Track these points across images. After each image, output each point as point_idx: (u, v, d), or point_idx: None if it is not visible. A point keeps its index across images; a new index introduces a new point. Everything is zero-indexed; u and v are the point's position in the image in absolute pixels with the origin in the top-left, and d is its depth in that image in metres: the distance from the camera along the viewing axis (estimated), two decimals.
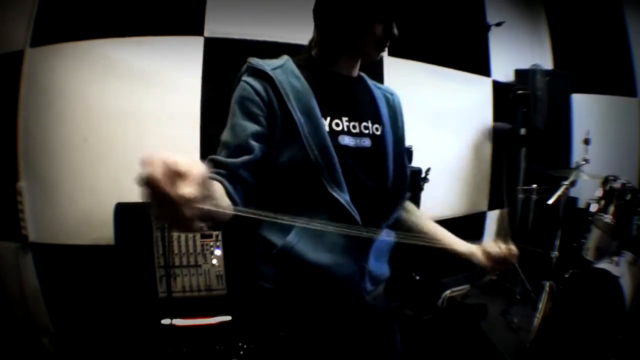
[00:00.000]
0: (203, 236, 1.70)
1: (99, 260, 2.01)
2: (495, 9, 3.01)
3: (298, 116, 0.85)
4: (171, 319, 1.65)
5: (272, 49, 2.20)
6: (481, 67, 3.02)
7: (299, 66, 0.93)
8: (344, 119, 0.91)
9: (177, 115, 2.13)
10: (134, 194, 1.80)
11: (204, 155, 2.37)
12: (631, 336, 1.78)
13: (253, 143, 0.83)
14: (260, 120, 0.85)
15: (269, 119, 0.86)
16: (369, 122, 0.95)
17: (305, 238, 0.88)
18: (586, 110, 3.20)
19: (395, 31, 0.91)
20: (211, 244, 1.70)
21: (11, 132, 2.00)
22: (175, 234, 1.68)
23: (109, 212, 1.67)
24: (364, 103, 0.99)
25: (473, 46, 3.00)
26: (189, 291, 1.68)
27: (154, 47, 2.08)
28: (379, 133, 0.96)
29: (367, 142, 0.94)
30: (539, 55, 3.18)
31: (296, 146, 0.85)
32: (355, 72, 1.00)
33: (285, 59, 0.95)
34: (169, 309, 1.65)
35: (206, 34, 2.15)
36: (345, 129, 0.91)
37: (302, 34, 2.24)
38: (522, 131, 2.75)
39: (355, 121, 0.93)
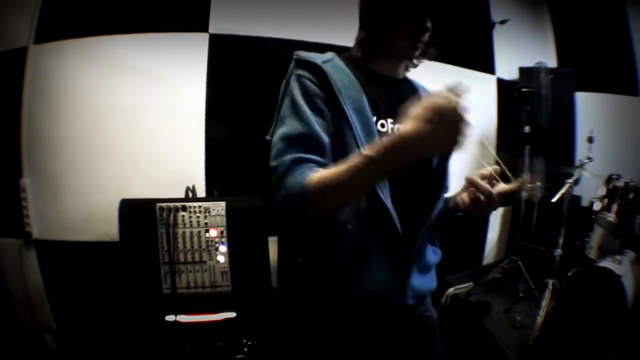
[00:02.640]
0: (208, 232, 1.70)
1: (103, 257, 2.02)
2: (500, 6, 3.00)
3: (350, 114, 0.83)
4: (175, 315, 1.65)
5: (277, 46, 2.20)
6: (485, 64, 3.02)
7: (348, 65, 0.92)
8: (389, 120, 0.89)
9: (182, 111, 2.13)
10: (139, 190, 1.81)
11: (208, 151, 2.37)
12: (633, 335, 1.78)
13: (324, 137, 0.81)
14: (325, 114, 0.83)
15: (330, 111, 0.84)
16: None
17: (350, 245, 0.85)
18: (590, 109, 3.19)
19: (429, 24, 0.86)
20: (216, 240, 1.70)
21: (15, 129, 2.00)
22: (180, 230, 1.68)
23: (114, 209, 1.66)
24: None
25: (477, 44, 3.00)
26: (194, 288, 1.68)
27: (159, 44, 2.08)
28: None
29: None
30: (543, 53, 3.17)
31: (350, 144, 0.82)
32: (400, 73, 0.98)
33: (332, 54, 0.93)
34: (173, 305, 1.65)
35: (211, 30, 2.15)
36: (390, 130, 0.88)
37: (307, 31, 2.26)
38: (527, 129, 2.75)
39: (399, 123, 0.90)
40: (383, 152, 0.65)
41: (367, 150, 0.66)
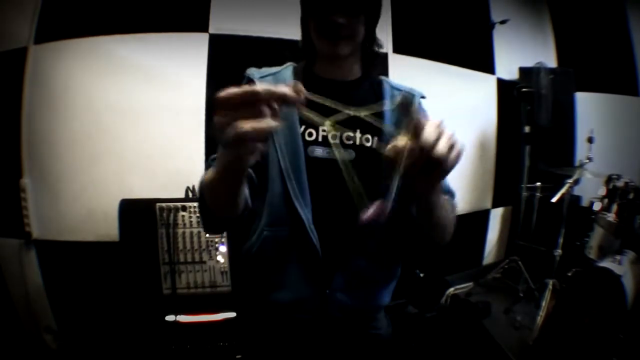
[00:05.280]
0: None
1: (103, 257, 2.01)
2: (500, 7, 3.00)
3: None
4: (175, 315, 1.65)
5: (276, 46, 2.20)
6: (486, 64, 3.02)
7: (296, 73, 0.92)
8: (321, 127, 0.86)
9: (182, 111, 2.13)
10: (139, 190, 1.80)
11: (208, 151, 2.37)
12: (633, 335, 1.78)
13: None
14: None
15: None
16: (358, 131, 0.87)
17: (267, 244, 0.86)
18: (590, 109, 3.20)
19: (339, 19, 0.81)
20: (216, 240, 1.70)
21: (15, 129, 2.00)
22: (180, 230, 1.68)
23: (114, 209, 1.67)
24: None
25: (478, 44, 3.00)
26: (194, 288, 1.68)
27: (159, 44, 2.08)
28: (369, 144, 0.87)
29: (348, 154, 0.86)
30: (543, 54, 3.18)
31: (273, 152, 0.84)
32: (352, 74, 0.92)
33: (285, 66, 0.95)
34: (174, 305, 1.65)
35: (211, 30, 2.15)
36: (320, 139, 0.86)
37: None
38: (527, 129, 2.75)
39: (335, 131, 0.85)
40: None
41: None
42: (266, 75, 0.91)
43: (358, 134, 0.87)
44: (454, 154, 0.55)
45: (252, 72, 0.92)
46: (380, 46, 0.95)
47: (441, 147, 0.53)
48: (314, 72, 0.93)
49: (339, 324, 0.90)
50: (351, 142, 0.87)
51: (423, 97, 0.97)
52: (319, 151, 0.86)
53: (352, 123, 0.85)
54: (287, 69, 0.93)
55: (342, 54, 0.85)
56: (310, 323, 0.89)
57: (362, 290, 0.90)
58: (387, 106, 0.89)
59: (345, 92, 0.89)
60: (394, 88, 0.95)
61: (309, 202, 0.84)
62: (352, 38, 0.84)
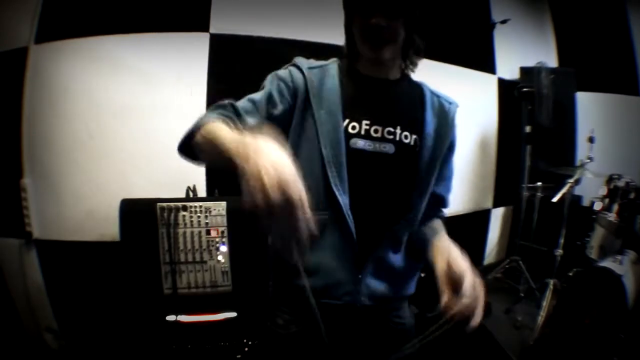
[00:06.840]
0: (209, 232, 1.70)
1: (104, 257, 2.02)
2: (501, 6, 3.00)
3: (319, 113, 0.89)
4: (176, 315, 1.65)
5: (277, 46, 2.20)
6: (486, 64, 3.02)
7: (340, 69, 0.96)
8: (365, 122, 0.90)
9: (182, 111, 2.12)
10: (140, 190, 1.80)
11: None
12: (633, 335, 1.78)
13: (266, 105, 0.89)
14: (284, 95, 0.90)
15: (291, 100, 0.90)
16: (398, 128, 0.91)
17: None
18: (591, 109, 3.20)
19: (381, 22, 0.84)
20: (217, 240, 1.70)
21: (15, 129, 2.00)
22: (180, 230, 1.67)
23: (114, 209, 1.66)
24: (400, 108, 0.95)
25: (478, 44, 3.00)
26: (194, 287, 1.68)
27: (160, 44, 2.08)
28: (408, 141, 0.92)
29: (389, 148, 0.90)
30: (544, 53, 3.18)
31: (313, 140, 0.88)
32: (393, 74, 0.96)
33: (331, 60, 0.98)
34: (174, 305, 1.65)
35: (212, 30, 2.15)
36: (363, 132, 0.90)
37: (308, 31, 2.26)
38: (527, 129, 2.75)
39: (378, 125, 0.90)
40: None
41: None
42: (314, 67, 0.95)
43: (398, 130, 0.92)
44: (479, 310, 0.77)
45: (302, 62, 0.95)
46: (420, 49, 0.98)
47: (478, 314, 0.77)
48: (357, 69, 0.96)
49: (367, 311, 0.92)
50: (392, 136, 0.91)
51: (457, 106, 1.04)
52: (360, 143, 0.90)
53: (393, 119, 0.92)
54: (333, 64, 0.97)
55: (385, 57, 0.90)
56: (339, 309, 0.91)
57: (392, 276, 0.94)
58: (430, 116, 0.96)
59: (387, 90, 0.95)
60: (433, 94, 1.00)
61: (347, 190, 0.88)
62: (394, 41, 0.89)
